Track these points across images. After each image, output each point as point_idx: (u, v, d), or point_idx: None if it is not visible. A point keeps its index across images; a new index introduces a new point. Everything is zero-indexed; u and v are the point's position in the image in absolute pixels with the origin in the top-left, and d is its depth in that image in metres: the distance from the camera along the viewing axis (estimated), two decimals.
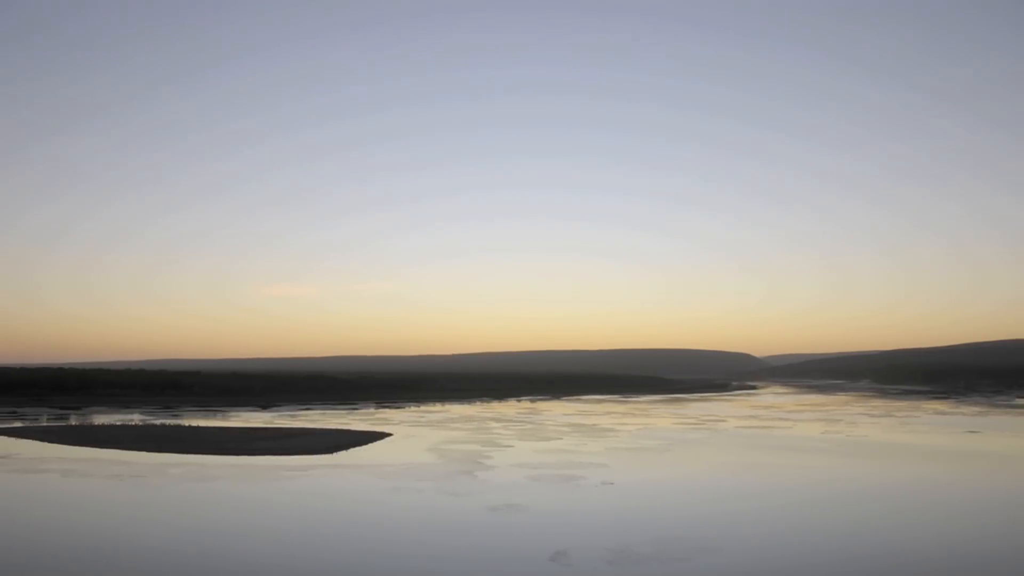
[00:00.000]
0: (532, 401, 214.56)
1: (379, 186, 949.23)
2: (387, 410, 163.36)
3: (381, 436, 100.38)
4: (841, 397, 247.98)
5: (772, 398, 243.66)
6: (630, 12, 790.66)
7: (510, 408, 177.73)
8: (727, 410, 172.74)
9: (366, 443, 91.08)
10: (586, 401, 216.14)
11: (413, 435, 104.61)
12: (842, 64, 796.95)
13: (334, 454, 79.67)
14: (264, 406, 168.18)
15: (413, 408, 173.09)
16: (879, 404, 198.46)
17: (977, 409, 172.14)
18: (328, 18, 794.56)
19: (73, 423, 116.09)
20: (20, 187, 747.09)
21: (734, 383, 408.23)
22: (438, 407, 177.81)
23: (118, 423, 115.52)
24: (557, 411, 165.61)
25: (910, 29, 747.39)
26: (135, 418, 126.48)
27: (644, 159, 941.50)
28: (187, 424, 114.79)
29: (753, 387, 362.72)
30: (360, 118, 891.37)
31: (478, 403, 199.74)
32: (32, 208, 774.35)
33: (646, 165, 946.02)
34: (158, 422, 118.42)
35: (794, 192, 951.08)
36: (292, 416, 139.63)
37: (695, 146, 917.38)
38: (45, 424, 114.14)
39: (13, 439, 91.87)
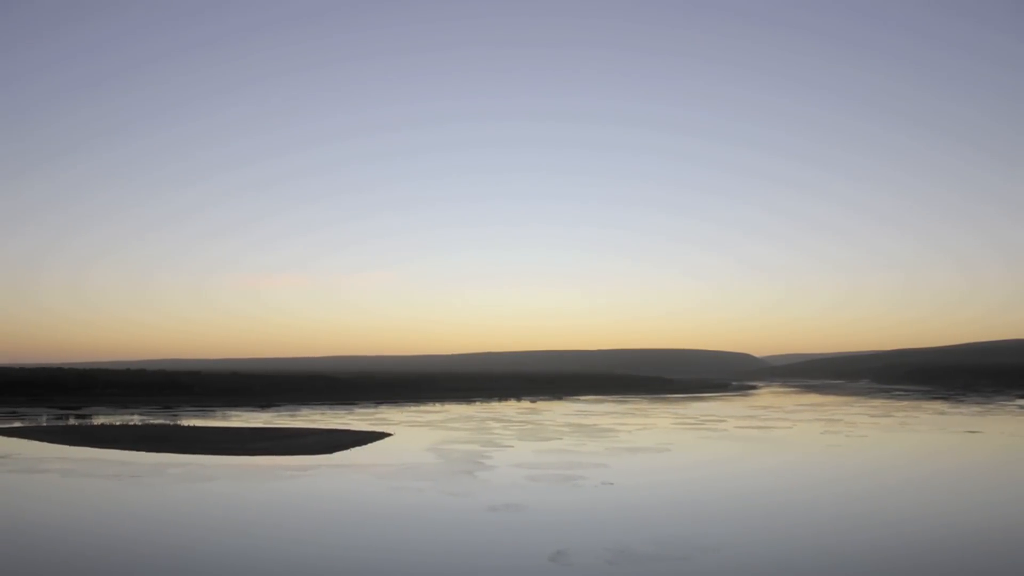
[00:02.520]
0: (532, 401, 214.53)
1: (378, 184, 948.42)
2: (387, 410, 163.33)
3: (381, 436, 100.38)
4: (840, 397, 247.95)
5: (772, 398, 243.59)
6: (661, 53, 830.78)
7: (510, 408, 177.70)
8: (727, 410, 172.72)
9: (366, 443, 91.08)
10: (586, 401, 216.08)
11: (413, 435, 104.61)
12: (856, 105, 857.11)
13: (334, 454, 79.67)
14: (263, 406, 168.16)
15: (413, 408, 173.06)
16: (878, 404, 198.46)
17: (976, 409, 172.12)
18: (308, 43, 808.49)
19: (73, 423, 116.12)
20: (24, 205, 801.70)
21: (734, 383, 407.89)
22: (438, 407, 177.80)
23: (118, 423, 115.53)
24: (557, 411, 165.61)
25: (921, 75, 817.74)
26: (135, 418, 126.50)
27: (644, 165, 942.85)
28: (186, 424, 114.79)
29: (753, 387, 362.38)
30: (360, 115, 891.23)
31: (478, 403, 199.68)
32: (34, 223, 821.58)
33: (646, 171, 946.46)
34: (157, 422, 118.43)
35: (798, 203, 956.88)
36: (292, 416, 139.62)
37: (703, 155, 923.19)
38: (45, 424, 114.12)
39: (13, 439, 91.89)
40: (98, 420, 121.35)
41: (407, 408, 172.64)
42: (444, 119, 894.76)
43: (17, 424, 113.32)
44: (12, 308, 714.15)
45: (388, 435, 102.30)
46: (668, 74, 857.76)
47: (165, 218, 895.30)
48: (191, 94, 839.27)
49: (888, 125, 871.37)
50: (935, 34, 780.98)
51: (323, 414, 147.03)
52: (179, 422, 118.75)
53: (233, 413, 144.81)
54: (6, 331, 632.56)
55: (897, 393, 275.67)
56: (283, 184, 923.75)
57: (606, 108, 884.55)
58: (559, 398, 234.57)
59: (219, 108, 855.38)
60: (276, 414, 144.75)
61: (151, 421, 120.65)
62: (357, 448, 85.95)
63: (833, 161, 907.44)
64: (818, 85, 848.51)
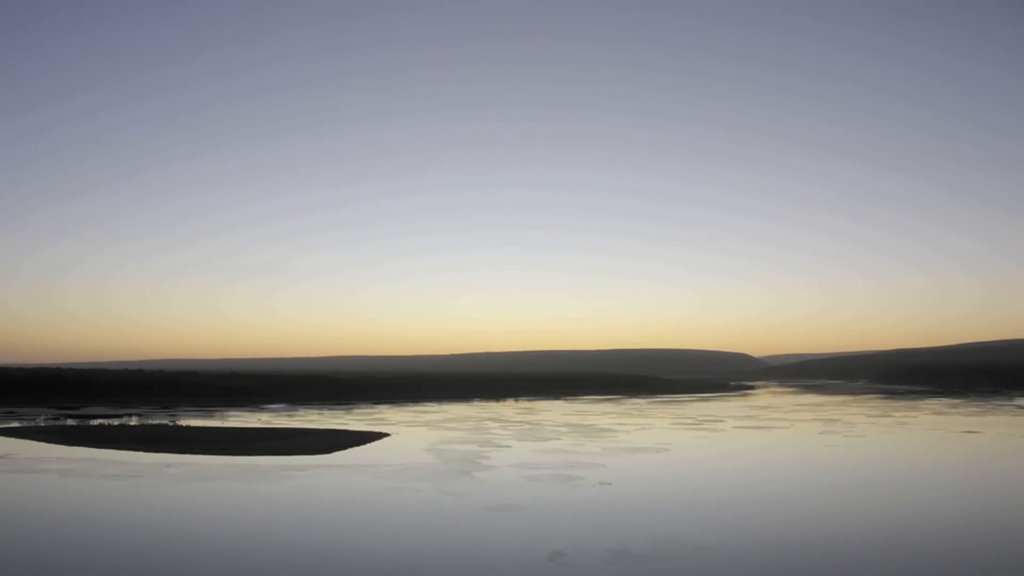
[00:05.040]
0: (530, 401, 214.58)
1: (376, 186, 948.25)
2: (385, 410, 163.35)
3: (379, 436, 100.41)
4: (839, 397, 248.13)
5: (770, 398, 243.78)
6: (663, 52, 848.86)
7: (508, 408, 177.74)
8: (725, 410, 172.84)
9: (364, 443, 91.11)
10: (584, 401, 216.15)
11: (411, 435, 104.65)
12: (854, 114, 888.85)
13: (332, 454, 79.70)
14: (262, 406, 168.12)
15: (411, 408, 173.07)
16: (876, 404, 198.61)
17: (975, 409, 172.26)
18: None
19: (71, 423, 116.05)
20: (46, 230, 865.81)
21: (732, 383, 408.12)
22: (436, 407, 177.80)
23: (116, 423, 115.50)
24: (555, 411, 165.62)
25: (913, 97, 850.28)
26: (133, 418, 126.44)
27: (643, 167, 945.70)
28: (185, 424, 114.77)
29: (751, 387, 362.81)
30: (362, 122, 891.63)
31: (476, 403, 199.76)
32: (49, 247, 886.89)
33: (646, 173, 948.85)
34: (156, 422, 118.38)
35: (797, 204, 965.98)
36: (290, 416, 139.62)
37: (703, 157, 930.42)
38: (43, 424, 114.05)
39: (11, 439, 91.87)
40: (96, 420, 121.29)
41: (405, 408, 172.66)
42: (446, 122, 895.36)
43: (15, 424, 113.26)
44: (35, 315, 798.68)
45: (386, 435, 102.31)
46: (670, 76, 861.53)
47: (170, 242, 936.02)
48: (190, 143, 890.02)
49: (885, 129, 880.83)
50: (930, 64, 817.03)
51: (321, 414, 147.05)
52: (178, 422, 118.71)
53: (232, 413, 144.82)
54: (30, 335, 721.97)
55: (895, 393, 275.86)
56: (283, 186, 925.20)
57: (607, 110, 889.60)
58: (557, 398, 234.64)
59: (215, 155, 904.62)
60: (274, 414, 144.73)
61: (150, 421, 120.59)
62: (355, 448, 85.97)
63: (832, 163, 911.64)
64: (818, 94, 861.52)
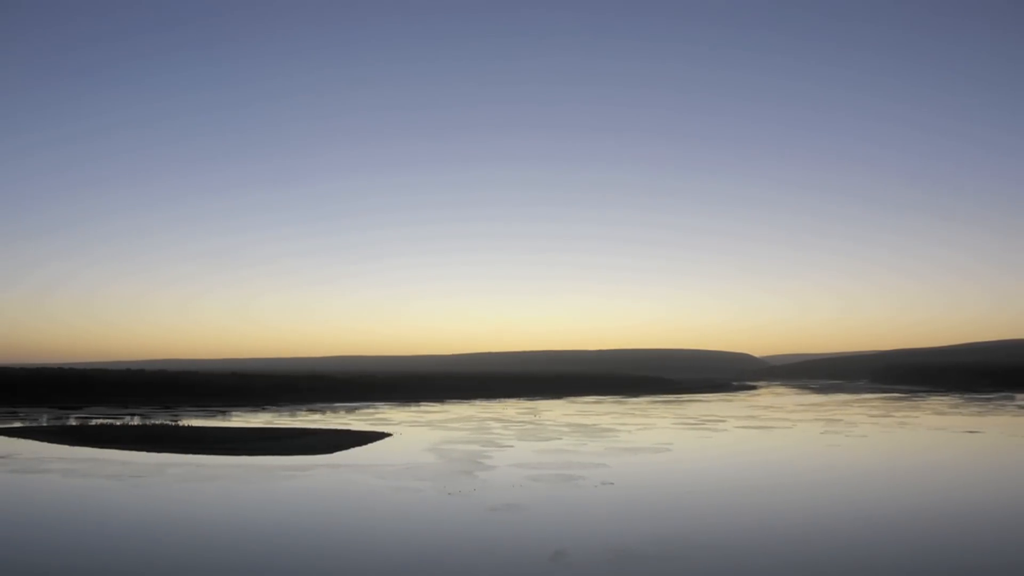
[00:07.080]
0: (532, 401, 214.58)
1: (375, 186, 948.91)
2: (387, 410, 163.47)
3: (381, 436, 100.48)
4: (840, 397, 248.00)
5: (772, 398, 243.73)
6: (658, 50, 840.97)
7: (510, 408, 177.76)
8: (727, 410, 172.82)
9: (366, 443, 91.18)
10: (586, 401, 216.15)
11: (413, 435, 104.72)
12: (854, 115, 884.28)
13: (334, 454, 79.77)
14: (264, 406, 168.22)
15: (413, 408, 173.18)
16: (878, 404, 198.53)
17: (976, 409, 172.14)
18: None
19: (73, 423, 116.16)
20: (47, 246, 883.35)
21: (734, 383, 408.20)
22: (438, 407, 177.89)
23: (118, 423, 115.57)
24: (557, 411, 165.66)
25: (914, 101, 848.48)
26: (135, 418, 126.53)
27: (644, 166, 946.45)
28: (187, 424, 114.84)
29: (753, 387, 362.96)
30: (366, 121, 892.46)
31: (478, 403, 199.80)
32: (49, 260, 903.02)
33: (647, 172, 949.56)
34: (158, 422, 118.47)
35: (798, 203, 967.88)
36: (292, 416, 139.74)
37: (704, 158, 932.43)
38: (45, 424, 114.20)
39: (13, 439, 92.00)
40: (98, 420, 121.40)
41: (407, 408, 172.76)
42: (445, 124, 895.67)
43: (17, 424, 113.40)
44: (34, 322, 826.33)
45: (388, 435, 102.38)
46: (668, 74, 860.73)
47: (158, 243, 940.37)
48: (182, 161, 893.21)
49: (885, 131, 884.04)
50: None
51: (323, 414, 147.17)
52: (179, 422, 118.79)
53: (233, 413, 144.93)
54: (30, 338, 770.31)
55: (896, 393, 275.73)
56: (284, 185, 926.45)
57: (611, 108, 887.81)
58: (559, 398, 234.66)
59: (210, 170, 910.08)
60: (276, 414, 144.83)
61: (151, 421, 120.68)
62: (357, 448, 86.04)
63: (833, 163, 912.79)
64: (819, 91, 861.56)
